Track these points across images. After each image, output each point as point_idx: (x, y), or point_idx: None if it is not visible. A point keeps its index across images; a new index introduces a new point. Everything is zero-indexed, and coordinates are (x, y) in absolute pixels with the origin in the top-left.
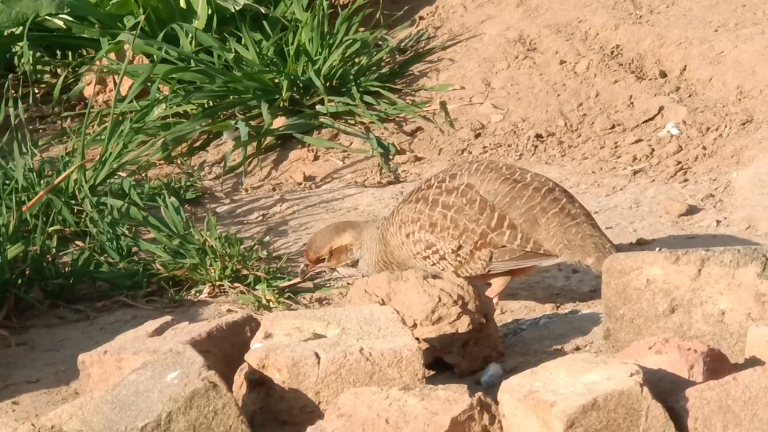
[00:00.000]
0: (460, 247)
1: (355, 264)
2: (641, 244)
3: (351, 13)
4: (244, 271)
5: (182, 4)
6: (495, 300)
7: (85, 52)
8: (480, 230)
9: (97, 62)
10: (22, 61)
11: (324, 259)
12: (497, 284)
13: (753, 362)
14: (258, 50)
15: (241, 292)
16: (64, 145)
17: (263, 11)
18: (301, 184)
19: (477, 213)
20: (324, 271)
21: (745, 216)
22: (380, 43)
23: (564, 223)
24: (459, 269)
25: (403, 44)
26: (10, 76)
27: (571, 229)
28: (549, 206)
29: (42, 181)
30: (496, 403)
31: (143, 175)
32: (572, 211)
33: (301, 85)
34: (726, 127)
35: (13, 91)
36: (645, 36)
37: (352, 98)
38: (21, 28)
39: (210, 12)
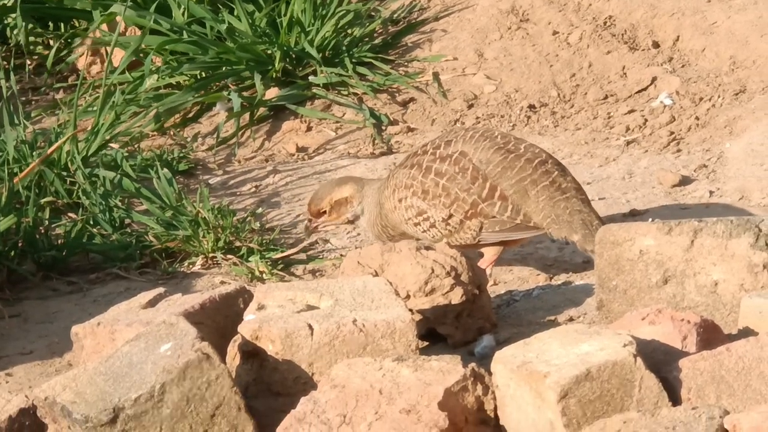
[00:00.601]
0: (450, 216)
1: (355, 219)
2: (634, 215)
3: None
4: (237, 243)
5: None
6: (488, 270)
7: (77, 24)
8: (471, 200)
9: (90, 34)
10: (15, 32)
11: (325, 211)
12: (489, 254)
13: (746, 333)
14: (251, 21)
15: (234, 263)
16: (57, 117)
17: None
18: (293, 155)
19: (469, 182)
20: (323, 239)
21: (737, 186)
22: (373, 14)
23: (553, 197)
24: (449, 238)
25: (395, 15)
26: (2, 47)
27: (560, 204)
28: (540, 178)
29: (34, 153)
30: (490, 374)
31: (136, 146)
32: (563, 185)
33: (293, 56)
34: (719, 97)
35: (5, 63)
36: (638, 6)
37: (345, 69)
38: None
39: None
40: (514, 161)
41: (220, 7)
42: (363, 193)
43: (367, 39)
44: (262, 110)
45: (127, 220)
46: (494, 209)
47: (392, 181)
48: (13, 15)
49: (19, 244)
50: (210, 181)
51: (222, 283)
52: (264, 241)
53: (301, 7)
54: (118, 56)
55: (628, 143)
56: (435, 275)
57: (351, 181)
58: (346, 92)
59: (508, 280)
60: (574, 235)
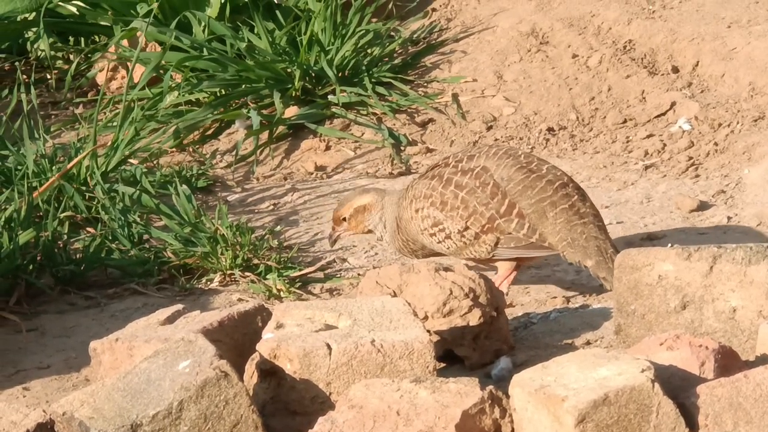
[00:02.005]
0: (466, 228)
1: (375, 229)
2: (652, 239)
3: (364, 3)
4: (255, 260)
5: None
6: (504, 287)
7: (97, 39)
8: (489, 214)
9: (110, 49)
10: (35, 46)
11: (345, 219)
12: (502, 269)
13: (764, 360)
14: (271, 39)
15: (252, 281)
16: (76, 132)
17: (276, 0)
18: (312, 173)
19: (488, 197)
20: (341, 258)
21: (756, 213)
22: (393, 34)
23: (571, 221)
24: (464, 251)
25: (415, 36)
26: (23, 61)
27: (576, 228)
28: (559, 201)
29: (54, 167)
30: (507, 396)
31: (155, 162)
32: (581, 209)
33: (313, 74)
34: (738, 123)
35: (25, 77)
36: (658, 31)
37: (364, 89)
38: (35, 13)
39: (223, 0)
40: (536, 181)
41: (241, 25)
42: (383, 203)
43: (386, 59)
44: (281, 128)
45: (146, 236)
46: (511, 226)
47: (411, 191)
48: (35, 29)
49: (38, 258)
50: (228, 198)
51: (239, 300)
52: (282, 259)
53: (321, 26)
54: (138, 72)
55: (647, 168)
56: (453, 296)
57: (373, 191)
58: (365, 112)
59: (526, 302)
60: (588, 260)
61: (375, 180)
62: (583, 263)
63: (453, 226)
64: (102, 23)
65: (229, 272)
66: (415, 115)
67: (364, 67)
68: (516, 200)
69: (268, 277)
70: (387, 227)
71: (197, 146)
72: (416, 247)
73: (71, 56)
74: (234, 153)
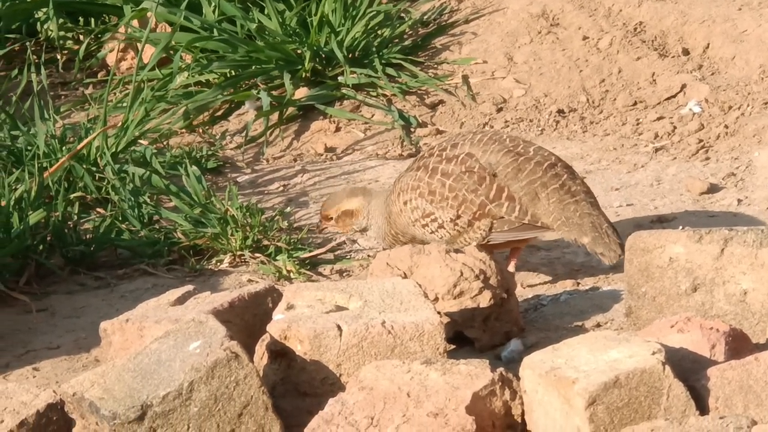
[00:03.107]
0: (458, 217)
1: (363, 231)
2: (662, 222)
3: None
4: (265, 242)
5: None
6: (512, 269)
7: (107, 19)
8: (479, 201)
9: (120, 29)
10: (46, 26)
11: (332, 218)
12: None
13: None
14: (281, 20)
15: (262, 262)
16: (86, 112)
17: None
18: (322, 155)
19: (476, 183)
20: (350, 239)
21: (766, 195)
22: (403, 15)
23: (563, 200)
24: (457, 239)
25: (425, 17)
26: (33, 42)
27: (569, 206)
28: (550, 181)
29: (64, 148)
30: (518, 378)
31: (165, 143)
32: (572, 188)
33: (323, 56)
34: (748, 106)
35: (35, 57)
36: (668, 13)
37: (374, 70)
38: None
39: None
40: (524, 164)
41: (251, 5)
42: (370, 207)
43: (396, 40)
44: (291, 110)
45: (156, 217)
46: (502, 210)
47: (398, 185)
48: (45, 9)
49: (48, 239)
50: (238, 180)
51: (249, 281)
52: (292, 241)
53: (331, 7)
54: (148, 53)
55: (657, 150)
56: (464, 278)
57: (361, 194)
58: (375, 93)
59: (536, 284)
60: (584, 237)
61: (384, 162)
62: (580, 241)
63: (445, 216)
64: (112, 3)
65: (239, 253)
66: (425, 97)
67: (374, 49)
68: (507, 184)
69: (278, 258)
70: (373, 229)
71: (207, 127)
72: (406, 239)
73: (81, 37)
74: (244, 134)
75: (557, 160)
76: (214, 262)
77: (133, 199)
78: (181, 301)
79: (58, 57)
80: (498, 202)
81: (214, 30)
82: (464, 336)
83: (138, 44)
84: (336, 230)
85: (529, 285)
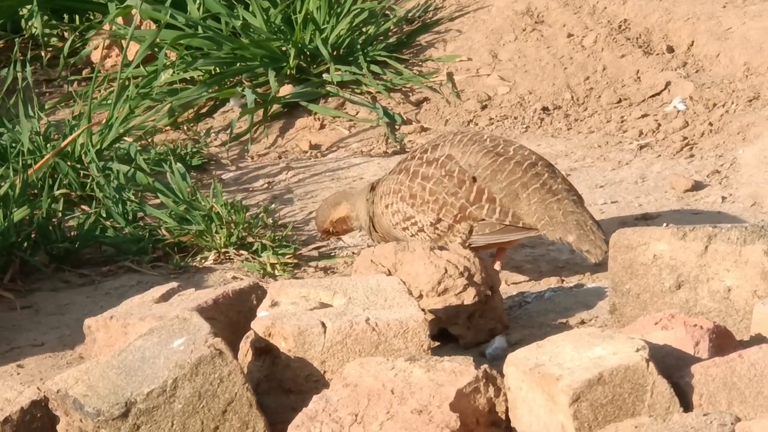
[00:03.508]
0: (439, 220)
1: (359, 229)
2: (646, 219)
3: None
4: (250, 239)
5: None
6: (498, 267)
7: (92, 16)
8: (459, 204)
9: (105, 26)
10: (31, 23)
11: (329, 230)
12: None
13: (758, 340)
14: (266, 17)
15: (247, 259)
16: (71, 109)
17: None
18: (307, 152)
19: (456, 186)
20: (329, 240)
21: (750, 193)
22: (388, 12)
23: (545, 199)
24: (438, 242)
25: (410, 14)
26: (18, 38)
27: (552, 206)
28: (530, 181)
29: (48, 145)
30: (502, 375)
31: (149, 140)
32: (554, 186)
33: (308, 53)
34: (733, 103)
35: (20, 54)
36: (653, 11)
37: (359, 67)
38: None
39: None
40: (504, 164)
41: (236, 3)
42: (356, 207)
43: (381, 38)
44: (275, 107)
45: (140, 214)
46: (482, 212)
47: (380, 187)
48: (29, 6)
49: (32, 236)
50: (223, 177)
51: (234, 278)
52: (276, 238)
53: (316, 5)
54: (133, 50)
55: (641, 147)
56: (448, 275)
57: (343, 199)
58: (359, 91)
59: (520, 281)
60: (569, 236)
61: (369, 159)
62: (565, 239)
63: (425, 219)
64: (96, 0)
65: (223, 250)
66: (410, 94)
67: (358, 46)
68: (486, 185)
69: (262, 255)
70: (363, 226)
71: (192, 124)
72: (390, 239)
73: (66, 34)
74: (228, 131)
75: (538, 159)
76: (198, 259)
77: (117, 196)
78: (165, 298)
79: (43, 54)
80: (478, 204)
81: (199, 27)
82: (448, 333)
83: (123, 41)
84: (341, 236)
85: (514, 282)
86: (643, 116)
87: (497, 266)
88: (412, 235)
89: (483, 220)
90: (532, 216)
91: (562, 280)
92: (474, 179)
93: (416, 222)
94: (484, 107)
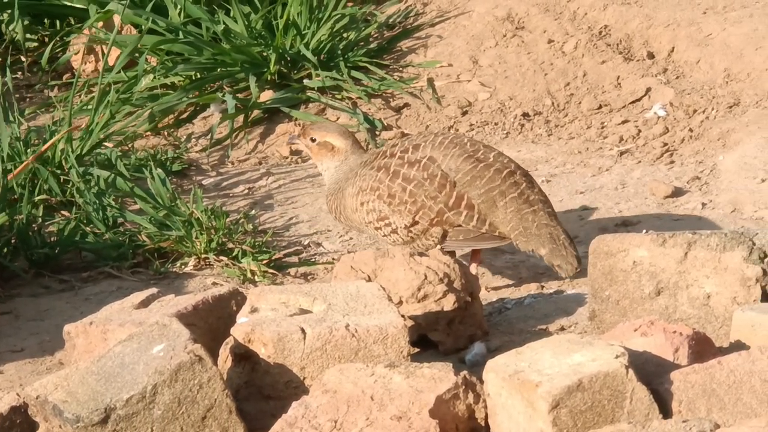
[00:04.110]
0: (414, 223)
1: (326, 171)
2: (626, 225)
3: None
4: (230, 244)
5: None
6: (474, 270)
7: (73, 21)
8: (437, 208)
9: (86, 31)
10: (11, 28)
11: (314, 140)
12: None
13: (738, 346)
14: (247, 23)
15: (227, 265)
16: (51, 115)
17: None
18: (287, 158)
19: (436, 189)
20: (315, 243)
21: (730, 199)
22: (369, 18)
23: (521, 210)
24: (410, 244)
25: (391, 20)
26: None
27: (527, 216)
28: (508, 190)
29: (28, 150)
30: (481, 382)
31: (130, 146)
32: (531, 197)
33: (289, 59)
34: (713, 109)
35: (0, 59)
36: (633, 17)
37: (339, 73)
38: None
39: None
40: (484, 171)
41: (216, 8)
42: (348, 158)
43: (362, 43)
44: (256, 112)
45: (120, 220)
46: (460, 218)
47: (358, 181)
48: (9, 11)
49: (12, 241)
50: (203, 182)
51: (214, 284)
52: (257, 243)
53: (297, 10)
54: (114, 55)
55: (622, 153)
56: (428, 281)
57: (352, 140)
58: (340, 96)
59: (500, 287)
60: (542, 249)
61: None
62: (537, 252)
63: (400, 221)
64: (77, 6)
65: (203, 256)
66: (391, 100)
67: (339, 52)
68: (465, 191)
69: (242, 261)
70: (333, 179)
71: (172, 130)
72: (352, 226)
73: (46, 39)
74: (209, 137)
75: (516, 167)
76: (178, 265)
77: (97, 201)
78: (145, 304)
79: (23, 59)
80: (457, 210)
81: (180, 32)
82: (428, 339)
83: (103, 46)
84: (305, 152)
85: (494, 288)
86: (624, 122)
87: (473, 268)
88: (385, 236)
89: (459, 226)
90: (507, 225)
91: (542, 287)
92: (454, 184)
93: (390, 223)
94: (464, 113)
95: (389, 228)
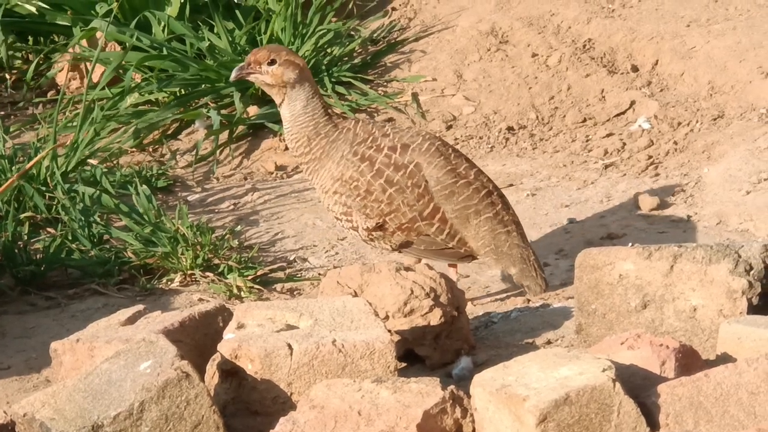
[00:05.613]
0: (380, 227)
1: (288, 89)
2: (612, 238)
3: (324, 2)
4: (216, 260)
5: None
6: (454, 277)
7: (57, 39)
8: (411, 215)
9: (70, 49)
10: None
11: (275, 61)
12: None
13: (724, 359)
14: (231, 39)
15: (213, 281)
16: (36, 132)
17: (236, 0)
18: (272, 173)
19: (415, 198)
20: (301, 258)
21: (715, 211)
22: (353, 33)
23: (495, 229)
24: (367, 243)
25: (375, 35)
26: None
27: (500, 236)
28: (484, 210)
29: (13, 168)
30: (468, 396)
31: (115, 162)
32: (505, 218)
33: None
34: (697, 122)
35: None
36: (617, 30)
37: (324, 88)
38: None
39: (183, 0)
40: (463, 188)
41: (201, 24)
42: (307, 82)
43: (346, 58)
44: (241, 128)
45: (106, 236)
46: (430, 230)
47: (341, 164)
48: None
49: None
50: (189, 198)
51: (200, 300)
52: (242, 259)
53: (281, 26)
54: (98, 72)
55: (606, 166)
56: (414, 296)
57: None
58: None
59: (486, 301)
60: (512, 268)
61: None
62: (507, 270)
63: (363, 223)
64: (61, 23)
65: (189, 272)
66: (375, 115)
67: (323, 67)
68: (441, 204)
69: (228, 276)
70: (294, 108)
71: (157, 146)
72: (313, 186)
73: (30, 56)
74: (194, 153)
75: (494, 188)
76: (164, 281)
77: (83, 218)
78: (131, 320)
79: (8, 76)
80: (429, 222)
81: (164, 49)
82: (415, 354)
83: (87, 63)
84: (260, 78)
85: (480, 302)
86: (608, 135)
87: (452, 275)
88: (343, 228)
89: (427, 236)
90: (478, 241)
91: (528, 300)
92: (432, 196)
93: (352, 221)
94: (449, 127)
95: (349, 224)
